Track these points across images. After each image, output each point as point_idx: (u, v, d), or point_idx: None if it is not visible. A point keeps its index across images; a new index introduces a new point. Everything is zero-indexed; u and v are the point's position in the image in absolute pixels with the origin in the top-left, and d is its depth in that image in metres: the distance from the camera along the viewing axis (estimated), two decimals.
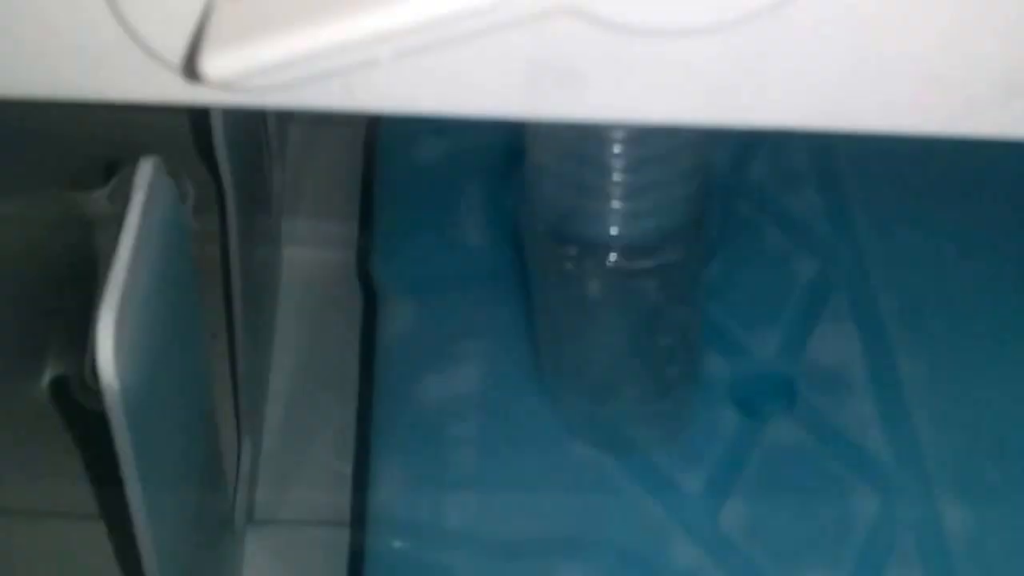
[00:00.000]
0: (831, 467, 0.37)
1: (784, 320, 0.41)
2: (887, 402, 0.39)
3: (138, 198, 0.28)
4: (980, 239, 0.43)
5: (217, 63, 0.17)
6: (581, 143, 0.32)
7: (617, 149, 0.31)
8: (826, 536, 0.36)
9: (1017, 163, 0.44)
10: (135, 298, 0.27)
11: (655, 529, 0.37)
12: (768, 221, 0.43)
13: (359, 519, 0.40)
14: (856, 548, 0.36)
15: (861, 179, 0.44)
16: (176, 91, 0.20)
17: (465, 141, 0.46)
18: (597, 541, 0.37)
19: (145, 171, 0.28)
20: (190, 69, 0.19)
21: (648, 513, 0.37)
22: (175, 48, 0.19)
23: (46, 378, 0.44)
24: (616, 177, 0.32)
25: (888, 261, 0.42)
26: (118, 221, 0.28)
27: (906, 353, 0.40)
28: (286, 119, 0.53)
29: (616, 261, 0.33)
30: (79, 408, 0.43)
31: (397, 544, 0.37)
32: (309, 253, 0.51)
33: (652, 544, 0.36)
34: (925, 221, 0.43)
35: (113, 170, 0.46)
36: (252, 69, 0.18)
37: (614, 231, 0.33)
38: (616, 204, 0.32)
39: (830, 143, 0.45)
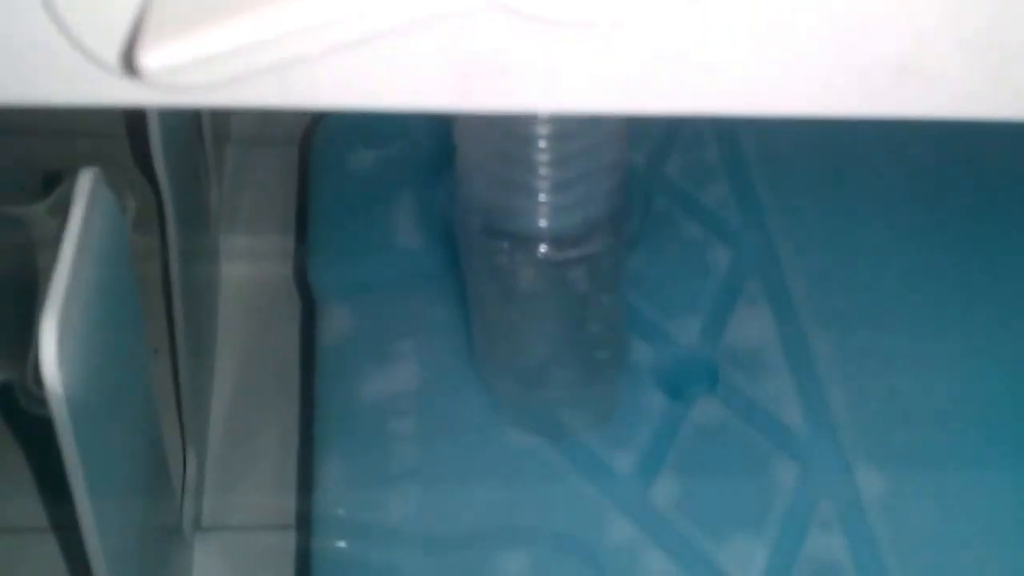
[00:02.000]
0: (753, 442, 0.39)
1: (703, 306, 0.42)
2: (802, 379, 0.40)
3: (78, 209, 0.28)
4: (882, 223, 0.45)
5: (154, 56, 0.18)
6: (507, 141, 0.33)
7: (542, 145, 0.33)
8: (750, 507, 0.37)
9: (920, 145, 0.46)
10: (77, 305, 0.27)
11: (590, 511, 0.38)
12: (684, 213, 0.45)
13: (304, 521, 0.40)
14: (779, 516, 0.37)
15: (768, 170, 0.46)
16: (113, 92, 0.20)
17: (396, 150, 0.48)
18: (536, 527, 0.38)
19: (85, 182, 0.29)
20: (127, 64, 0.19)
21: (583, 496, 0.38)
22: (112, 48, 0.19)
23: None
24: (542, 173, 0.33)
25: (796, 246, 0.44)
26: (59, 233, 0.28)
27: (817, 332, 0.41)
28: (222, 139, 0.54)
29: (545, 252, 0.34)
30: (24, 415, 0.43)
31: (342, 544, 0.37)
32: (247, 269, 0.52)
33: (588, 526, 0.37)
34: (830, 207, 0.45)
35: (52, 183, 0.46)
36: (188, 62, 0.18)
37: (542, 224, 0.34)
38: (543, 198, 0.33)
39: (738, 137, 0.47)
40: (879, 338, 0.41)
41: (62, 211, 0.29)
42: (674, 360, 0.41)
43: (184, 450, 0.44)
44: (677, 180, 0.46)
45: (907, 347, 0.41)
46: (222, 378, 0.49)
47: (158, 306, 0.47)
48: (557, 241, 0.34)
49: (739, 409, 0.40)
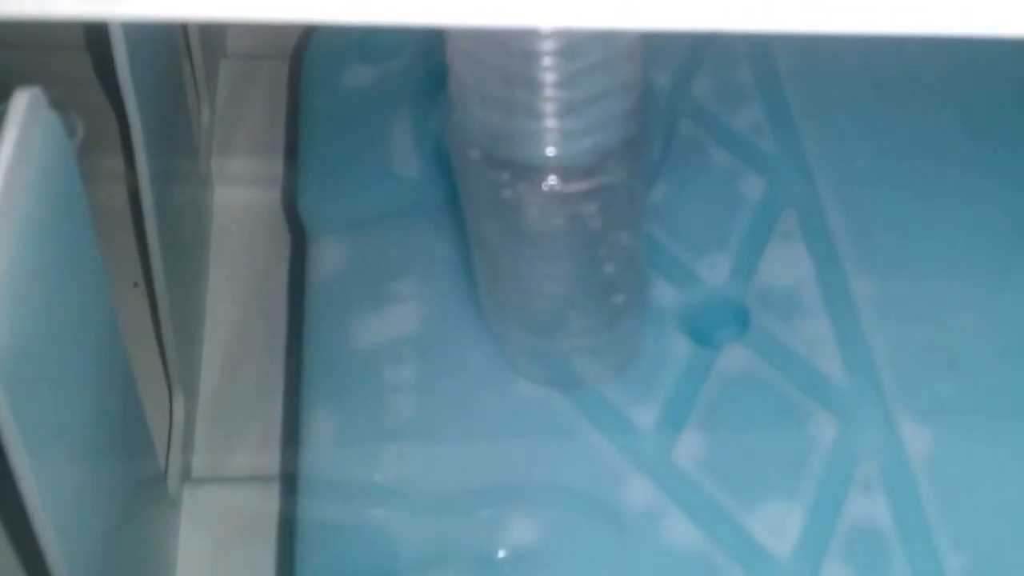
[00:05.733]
0: (786, 395, 0.36)
1: (733, 242, 0.39)
2: (842, 324, 0.37)
3: (10, 136, 0.25)
4: (930, 152, 0.41)
5: None
6: (507, 58, 0.29)
7: (547, 63, 0.29)
8: (784, 467, 0.34)
9: (967, 75, 0.43)
10: (8, 255, 0.24)
11: (607, 470, 0.35)
12: (712, 139, 0.42)
13: (290, 482, 0.38)
14: (815, 477, 0.34)
15: (806, 92, 0.42)
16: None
17: (397, 65, 0.44)
18: (546, 488, 0.35)
19: (20, 104, 0.26)
20: None
21: (598, 453, 0.35)
22: None
23: None
24: (547, 93, 0.29)
25: (836, 177, 0.40)
26: None
27: (859, 272, 0.38)
28: (216, 52, 0.51)
29: (552, 185, 0.31)
30: None
31: (331, 503, 0.35)
32: (243, 194, 0.50)
33: (604, 487, 0.34)
34: (874, 132, 0.41)
35: None
36: None
37: (548, 152, 0.30)
38: (549, 123, 0.30)
39: (773, 54, 0.43)
40: (927, 279, 0.38)
41: None
42: (700, 302, 0.38)
43: (170, 394, 0.42)
44: (705, 102, 0.42)
45: (958, 290, 0.38)
46: (215, 315, 0.47)
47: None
48: (565, 172, 0.31)
49: (772, 357, 0.36)
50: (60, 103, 0.27)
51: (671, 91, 0.43)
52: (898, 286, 0.38)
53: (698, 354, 0.37)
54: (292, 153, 0.47)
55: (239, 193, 0.50)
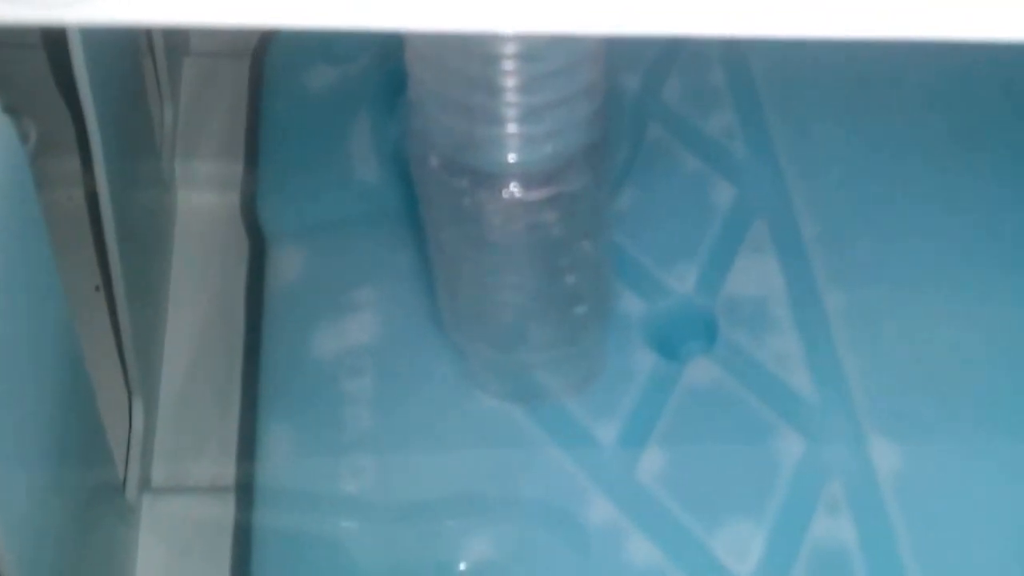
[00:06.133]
0: (753, 410, 0.35)
1: (701, 252, 0.38)
2: (812, 337, 0.36)
3: None
4: (907, 160, 0.40)
5: None
6: (466, 61, 0.28)
7: (507, 66, 0.28)
8: (749, 486, 0.34)
9: (944, 81, 0.42)
10: None
11: (569, 485, 0.34)
12: (682, 144, 0.41)
13: (245, 493, 0.37)
14: (781, 497, 0.33)
15: (780, 96, 0.42)
16: None
17: (360, 67, 0.43)
18: (505, 504, 0.34)
19: None
20: None
21: (559, 469, 0.34)
22: None
23: None
24: (508, 98, 0.28)
25: (810, 185, 0.39)
26: None
27: (831, 284, 0.37)
28: (179, 51, 0.50)
29: (512, 192, 0.30)
30: None
31: (288, 515, 0.34)
32: (208, 197, 0.49)
33: (566, 502, 0.34)
34: (850, 138, 0.41)
35: None
36: None
37: (509, 158, 0.30)
38: (509, 128, 0.29)
39: (746, 57, 0.43)
40: (901, 292, 0.37)
41: None
42: (667, 313, 0.37)
43: (130, 401, 0.41)
44: (676, 106, 0.42)
45: (933, 303, 0.37)
46: (176, 321, 0.46)
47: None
48: (526, 178, 0.30)
49: (739, 371, 0.36)
50: (12, 107, 0.27)
51: (640, 93, 0.42)
52: (871, 299, 0.37)
53: (663, 368, 0.36)
54: (252, 156, 0.46)
55: (203, 196, 0.49)
